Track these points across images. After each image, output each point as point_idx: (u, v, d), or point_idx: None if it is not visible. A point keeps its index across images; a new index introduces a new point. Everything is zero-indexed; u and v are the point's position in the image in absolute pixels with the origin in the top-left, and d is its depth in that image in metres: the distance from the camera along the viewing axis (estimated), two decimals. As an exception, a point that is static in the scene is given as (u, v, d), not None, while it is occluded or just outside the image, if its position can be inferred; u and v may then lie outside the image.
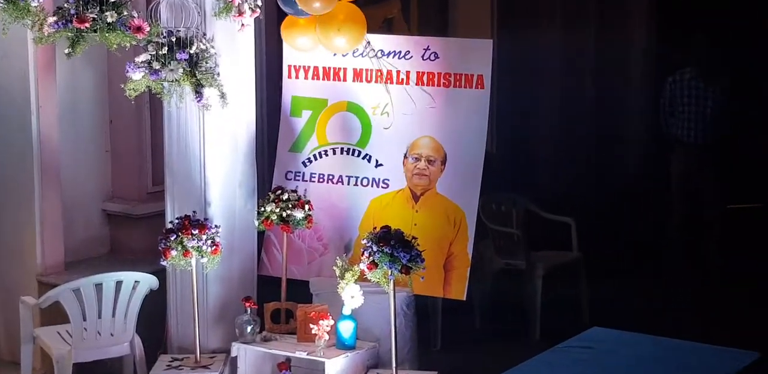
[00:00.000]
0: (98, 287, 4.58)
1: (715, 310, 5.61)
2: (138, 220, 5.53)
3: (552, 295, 5.55)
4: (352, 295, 4.44)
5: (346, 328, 4.51)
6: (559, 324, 5.08)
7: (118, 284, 4.62)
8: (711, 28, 6.23)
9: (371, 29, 4.99)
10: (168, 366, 4.64)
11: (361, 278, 4.40)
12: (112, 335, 4.66)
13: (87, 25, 4.13)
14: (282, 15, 5.22)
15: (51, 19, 4.12)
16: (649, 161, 6.51)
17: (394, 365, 4.37)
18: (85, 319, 4.57)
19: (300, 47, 4.98)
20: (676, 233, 6.22)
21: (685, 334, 4.30)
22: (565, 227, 5.70)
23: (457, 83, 4.84)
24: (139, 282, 4.67)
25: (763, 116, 6.50)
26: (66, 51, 4.17)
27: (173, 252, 4.50)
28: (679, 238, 6.18)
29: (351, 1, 4.86)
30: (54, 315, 4.74)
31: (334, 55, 5.05)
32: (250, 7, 4.66)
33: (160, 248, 4.54)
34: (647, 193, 6.46)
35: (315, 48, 4.97)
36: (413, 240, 4.32)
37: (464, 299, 4.80)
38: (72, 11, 4.14)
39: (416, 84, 4.92)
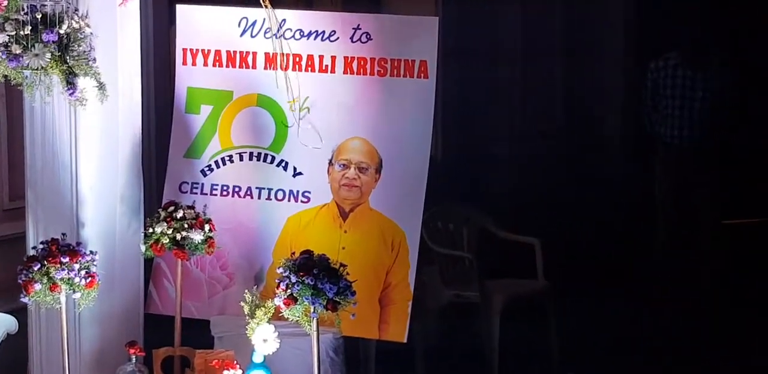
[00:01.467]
0: (-65, 331, 4.49)
1: (710, 349, 5.67)
2: None
3: (513, 335, 5.57)
4: (264, 338, 4.41)
5: (258, 380, 4.47)
6: (523, 372, 5.11)
7: (-34, 327, 4.52)
8: (702, 2, 6.33)
9: (286, 3, 4.99)
10: None
11: (276, 317, 4.39)
12: (-43, 393, 4.58)
13: None
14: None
15: None
16: (630, 166, 6.59)
17: (317, 426, 4.36)
18: None
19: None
20: (663, 255, 6.29)
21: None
22: (529, 250, 5.75)
23: (395, 72, 4.87)
24: (-8, 324, 4.57)
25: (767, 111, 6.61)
26: None
27: (37, 286, 4.42)
28: (667, 261, 6.25)
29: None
30: None
31: (242, 35, 5.05)
32: None
33: (20, 280, 4.45)
34: (628, 206, 6.53)
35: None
36: (341, 268, 4.31)
37: (404, 341, 4.81)
38: None
39: (344, 72, 4.94)
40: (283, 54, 4.98)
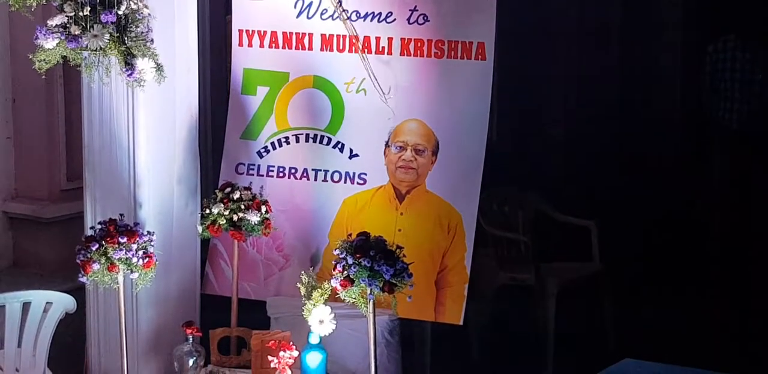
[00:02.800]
0: (0, 309, 4.55)
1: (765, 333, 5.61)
2: (48, 225, 5.55)
3: (568, 318, 5.55)
4: (320, 319, 4.41)
5: (314, 361, 4.47)
6: (578, 355, 5.08)
7: (25, 306, 4.59)
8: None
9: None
10: None
11: (333, 298, 4.37)
12: (17, 371, 4.61)
13: None
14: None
15: None
16: (689, 150, 6.49)
17: (373, 406, 4.39)
18: None
19: None
20: (722, 241, 6.19)
21: (732, 366, 4.28)
22: (585, 233, 5.71)
23: (452, 53, 4.84)
24: (52, 303, 4.64)
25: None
26: None
27: (95, 266, 4.44)
28: (726, 249, 6.15)
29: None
30: None
31: (298, 16, 5.06)
32: None
33: (78, 260, 4.47)
34: (687, 189, 6.44)
35: None
36: (398, 250, 4.27)
37: (460, 323, 4.81)
38: None
39: (400, 54, 4.92)
40: (350, 36, 4.97)
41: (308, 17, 5.04)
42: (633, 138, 6.43)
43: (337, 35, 5.01)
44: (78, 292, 4.76)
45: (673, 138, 6.56)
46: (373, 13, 4.96)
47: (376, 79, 4.97)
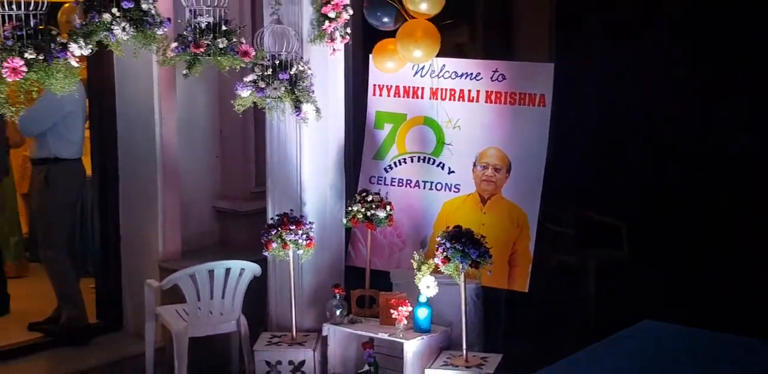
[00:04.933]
0: (210, 273, 4.61)
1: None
2: (243, 216, 5.53)
3: (604, 289, 5.40)
4: (427, 285, 4.43)
5: (422, 314, 4.51)
6: (611, 316, 4.91)
7: (227, 270, 4.65)
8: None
9: (445, 53, 4.91)
10: (269, 342, 4.71)
11: (435, 271, 4.38)
12: (221, 314, 4.71)
13: (202, 50, 4.13)
14: (368, 41, 5.19)
15: (173, 45, 4.16)
16: (697, 177, 5.99)
17: (464, 347, 4.37)
18: (199, 300, 4.63)
19: (388, 68, 4.95)
20: (722, 218, 5.60)
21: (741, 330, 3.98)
22: (617, 230, 5.52)
23: (522, 101, 4.77)
24: (245, 269, 4.69)
25: None
26: (184, 72, 4.22)
27: (274, 245, 4.54)
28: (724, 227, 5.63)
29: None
30: (173, 295, 4.80)
31: (414, 75, 5.01)
32: (340, 35, 4.72)
33: (262, 240, 4.56)
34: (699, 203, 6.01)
35: (400, 68, 4.94)
36: (482, 239, 4.28)
37: (526, 291, 4.73)
38: (190, 38, 4.13)
39: (485, 102, 4.85)
40: (450, 89, 4.91)
41: (421, 76, 4.97)
42: (656, 162, 6.03)
43: (441, 88, 4.93)
44: (262, 262, 4.81)
45: (681, 161, 6.06)
46: (466, 73, 4.88)
47: (467, 119, 4.88)
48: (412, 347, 4.40)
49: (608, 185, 5.76)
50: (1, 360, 5.01)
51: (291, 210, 4.68)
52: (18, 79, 3.47)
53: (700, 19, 5.66)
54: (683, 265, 5.59)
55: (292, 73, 4.49)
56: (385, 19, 4.82)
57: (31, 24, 3.52)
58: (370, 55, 5.06)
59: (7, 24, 3.48)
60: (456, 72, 4.90)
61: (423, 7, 4.70)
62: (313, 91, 4.58)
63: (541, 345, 5.01)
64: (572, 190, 5.62)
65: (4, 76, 3.44)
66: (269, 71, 4.45)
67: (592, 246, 5.54)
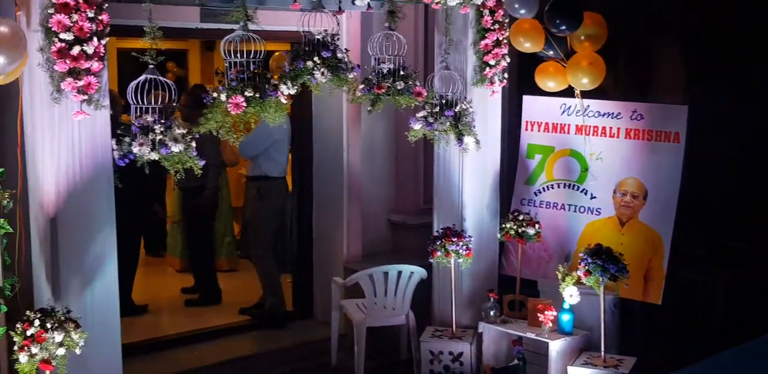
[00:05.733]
0: (385, 274, 4.71)
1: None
2: (412, 228, 5.59)
3: (733, 303, 5.14)
4: (570, 294, 4.37)
5: (566, 318, 4.47)
6: (738, 327, 4.70)
7: (399, 273, 4.73)
8: None
9: (590, 95, 4.89)
10: (432, 334, 4.73)
11: (578, 282, 4.32)
12: (393, 309, 4.79)
13: (383, 90, 4.22)
14: (522, 85, 5.19)
15: (360, 87, 4.24)
16: None
17: (602, 349, 4.30)
18: (375, 296, 4.72)
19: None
20: None
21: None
22: (742, 251, 5.25)
23: (658, 138, 4.69)
24: (414, 272, 4.76)
25: None
26: (368, 108, 4.31)
27: (438, 253, 4.54)
28: None
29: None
30: (354, 291, 4.90)
31: (561, 114, 4.98)
32: (499, 79, 4.73)
33: (428, 249, 4.58)
34: None
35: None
36: (620, 256, 4.21)
37: (660, 303, 4.63)
38: (374, 81, 4.24)
39: (625, 137, 4.80)
40: (593, 126, 4.89)
41: (567, 114, 4.98)
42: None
43: (585, 125, 4.91)
44: (428, 267, 4.82)
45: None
46: (608, 112, 4.85)
47: (608, 152, 4.83)
48: (556, 346, 4.37)
49: (735, 210, 5.48)
50: (218, 337, 5.36)
51: (453, 225, 4.69)
52: (239, 112, 3.70)
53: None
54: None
55: (456, 110, 4.54)
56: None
57: (251, 69, 3.73)
58: (524, 97, 5.09)
59: (233, 69, 3.75)
60: (599, 111, 4.88)
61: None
62: (474, 126, 4.62)
63: (672, 352, 4.85)
64: (703, 216, 5.39)
65: (229, 109, 3.70)
66: (437, 109, 4.51)
67: (721, 266, 5.28)
